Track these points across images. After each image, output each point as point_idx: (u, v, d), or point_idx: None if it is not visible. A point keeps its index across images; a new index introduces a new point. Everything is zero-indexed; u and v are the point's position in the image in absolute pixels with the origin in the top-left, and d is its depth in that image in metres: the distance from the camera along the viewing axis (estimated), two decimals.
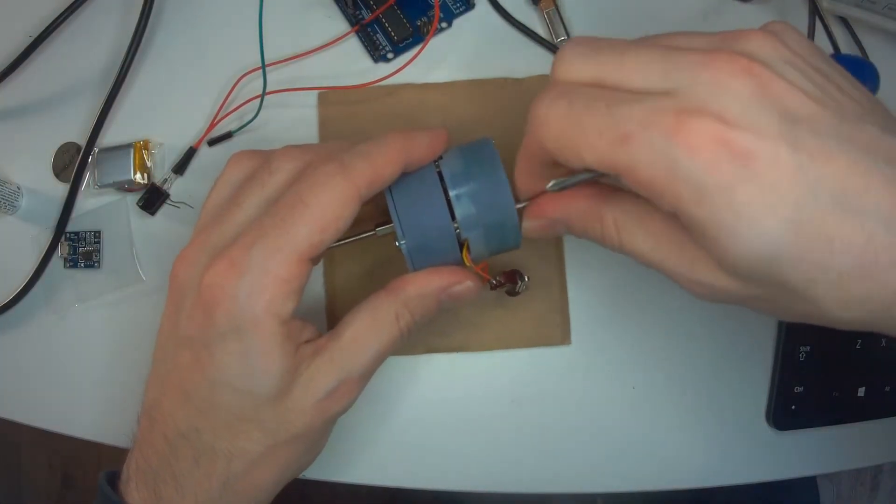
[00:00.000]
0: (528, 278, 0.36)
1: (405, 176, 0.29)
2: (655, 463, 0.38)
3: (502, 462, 0.38)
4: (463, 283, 0.29)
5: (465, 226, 0.28)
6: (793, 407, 0.38)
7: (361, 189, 0.27)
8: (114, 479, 0.30)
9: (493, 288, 0.36)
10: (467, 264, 0.30)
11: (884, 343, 0.38)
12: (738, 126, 0.21)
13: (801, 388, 0.38)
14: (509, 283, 0.36)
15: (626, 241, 0.26)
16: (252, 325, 0.26)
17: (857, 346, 0.38)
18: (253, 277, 0.26)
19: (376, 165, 0.27)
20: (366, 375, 0.29)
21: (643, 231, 0.25)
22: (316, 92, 0.40)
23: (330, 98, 0.40)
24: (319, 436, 0.30)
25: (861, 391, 0.38)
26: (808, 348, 0.38)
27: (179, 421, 0.28)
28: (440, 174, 0.29)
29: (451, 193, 0.28)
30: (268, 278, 0.26)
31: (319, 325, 0.32)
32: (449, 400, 0.39)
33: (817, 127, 0.21)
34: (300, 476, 0.38)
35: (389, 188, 0.29)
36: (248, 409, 0.27)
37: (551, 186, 0.27)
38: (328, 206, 0.26)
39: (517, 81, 0.40)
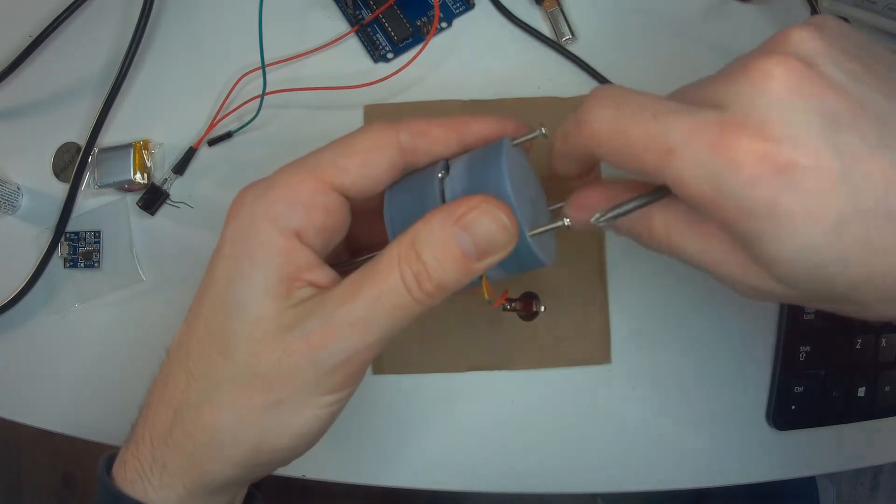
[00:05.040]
0: (544, 308, 0.36)
1: (403, 184, 0.27)
2: (655, 463, 0.38)
3: (502, 462, 0.38)
4: (476, 205, 0.24)
5: None
6: (793, 407, 0.38)
7: (402, 135, 0.27)
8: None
9: (507, 310, 0.35)
10: (483, 286, 0.26)
11: (884, 343, 0.38)
12: (778, 135, 0.20)
13: (801, 388, 0.38)
14: (524, 308, 0.35)
15: (675, 243, 0.25)
16: (248, 228, 0.26)
17: (857, 346, 0.38)
18: (265, 184, 0.26)
19: (426, 123, 0.27)
20: (354, 325, 0.24)
21: (693, 234, 0.25)
22: (318, 92, 0.40)
23: (375, 112, 0.40)
24: (287, 394, 0.25)
25: (861, 391, 0.38)
26: (808, 348, 0.38)
27: (175, 339, 0.27)
28: (441, 181, 0.27)
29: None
30: (277, 181, 0.26)
31: None
32: (448, 400, 0.39)
33: (859, 125, 0.20)
34: (304, 476, 0.38)
35: (390, 187, 0.27)
36: (220, 323, 0.25)
37: (597, 219, 0.25)
38: (361, 138, 0.27)
39: (563, 100, 0.40)
